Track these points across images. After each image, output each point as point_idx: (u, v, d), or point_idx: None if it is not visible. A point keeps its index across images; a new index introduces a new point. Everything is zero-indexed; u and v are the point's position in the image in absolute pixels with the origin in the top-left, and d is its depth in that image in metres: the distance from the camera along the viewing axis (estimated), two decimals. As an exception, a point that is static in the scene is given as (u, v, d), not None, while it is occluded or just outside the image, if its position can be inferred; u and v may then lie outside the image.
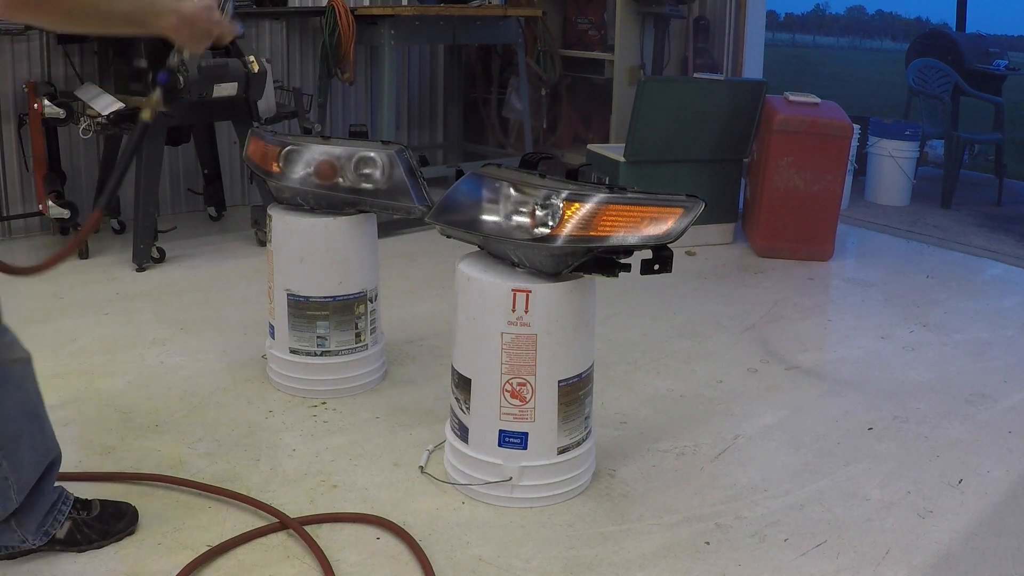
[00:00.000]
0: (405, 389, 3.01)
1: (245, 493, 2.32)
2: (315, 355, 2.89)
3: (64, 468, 2.12)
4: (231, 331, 3.42)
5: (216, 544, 2.11)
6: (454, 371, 2.38)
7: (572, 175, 2.31)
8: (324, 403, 2.86)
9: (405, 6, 4.99)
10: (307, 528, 2.18)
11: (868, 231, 5.33)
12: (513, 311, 2.21)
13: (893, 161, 5.94)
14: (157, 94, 2.17)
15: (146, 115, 2.15)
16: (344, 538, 2.18)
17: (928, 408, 2.99)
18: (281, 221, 2.86)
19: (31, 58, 4.46)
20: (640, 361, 3.31)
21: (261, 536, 2.17)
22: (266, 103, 4.51)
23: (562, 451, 2.33)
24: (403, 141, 5.60)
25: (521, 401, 2.27)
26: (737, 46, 5.99)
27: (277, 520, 2.21)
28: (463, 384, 2.34)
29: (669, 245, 2.20)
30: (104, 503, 2.15)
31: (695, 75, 5.62)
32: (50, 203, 4.14)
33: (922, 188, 6.24)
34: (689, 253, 4.62)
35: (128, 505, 2.19)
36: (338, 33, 4.95)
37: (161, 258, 4.22)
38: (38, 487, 2.00)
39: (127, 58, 4.13)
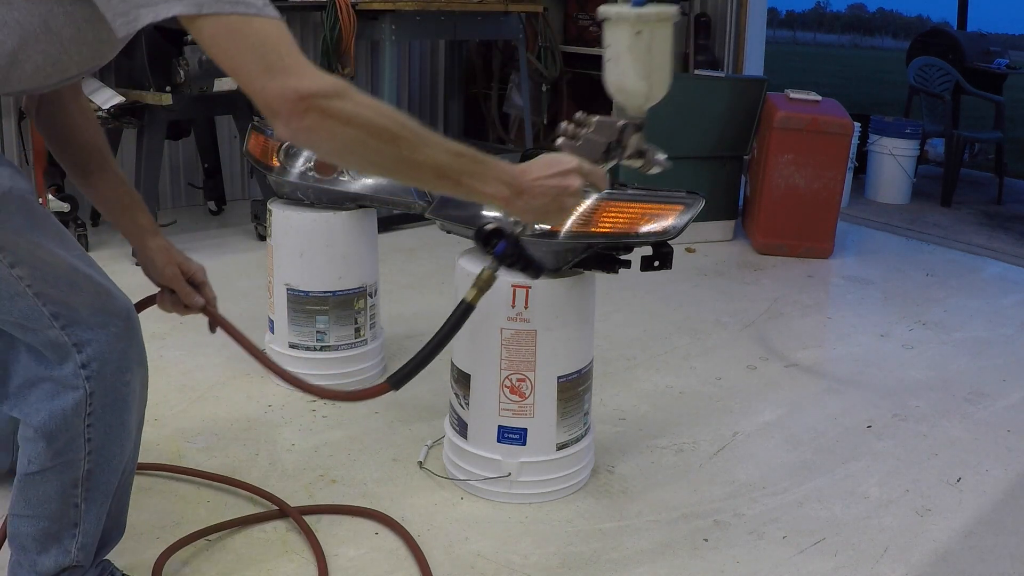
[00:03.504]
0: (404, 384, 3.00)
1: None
2: (314, 350, 2.89)
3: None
4: (230, 325, 3.41)
5: (215, 523, 2.12)
6: (453, 366, 2.38)
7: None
8: (323, 398, 2.87)
9: (406, 1, 4.98)
10: (306, 521, 2.18)
11: (868, 229, 5.33)
12: (513, 307, 2.21)
13: (893, 159, 5.94)
14: (490, 269, 1.72)
15: (473, 296, 1.74)
16: (343, 533, 2.18)
17: (927, 406, 2.99)
18: (281, 216, 2.86)
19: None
20: (639, 357, 3.31)
21: (260, 523, 2.18)
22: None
23: (561, 447, 2.33)
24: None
25: (520, 397, 2.27)
26: (738, 43, 5.98)
27: (276, 508, 2.22)
28: (462, 380, 2.34)
29: (669, 242, 2.20)
30: None
31: (696, 72, 5.62)
32: (50, 197, 4.13)
33: (922, 186, 6.23)
34: (689, 250, 4.62)
35: None
36: (339, 28, 4.94)
37: (161, 252, 4.22)
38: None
39: (128, 52, 4.12)
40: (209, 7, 1.30)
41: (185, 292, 1.86)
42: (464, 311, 1.74)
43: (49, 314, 1.54)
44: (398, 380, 1.73)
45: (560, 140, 1.88)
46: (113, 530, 1.82)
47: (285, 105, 1.31)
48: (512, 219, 1.71)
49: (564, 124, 1.89)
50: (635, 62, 1.97)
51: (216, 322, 1.91)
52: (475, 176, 1.50)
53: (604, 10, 1.99)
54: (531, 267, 1.75)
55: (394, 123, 1.39)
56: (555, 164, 1.63)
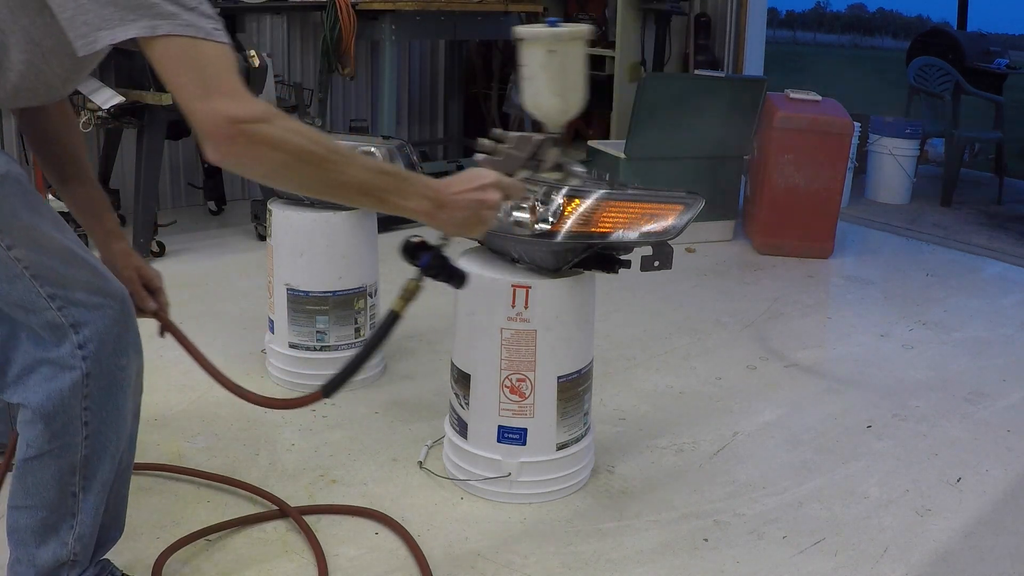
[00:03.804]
0: (404, 384, 3.01)
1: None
2: (314, 350, 2.89)
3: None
4: (230, 325, 3.42)
5: (215, 523, 2.12)
6: (453, 366, 2.38)
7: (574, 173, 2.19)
8: (323, 398, 2.86)
9: (406, 1, 4.98)
10: (306, 521, 2.18)
11: (868, 229, 5.33)
12: (513, 307, 2.20)
13: (893, 159, 5.93)
14: (415, 280, 1.79)
15: (399, 306, 1.79)
16: (342, 533, 2.18)
17: (927, 406, 2.99)
18: (281, 216, 2.86)
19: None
20: (639, 357, 3.31)
21: (260, 523, 2.18)
22: (267, 98, 4.50)
23: (561, 447, 2.33)
24: (404, 136, 5.61)
25: (520, 397, 2.27)
26: (738, 43, 5.98)
27: (276, 508, 2.22)
28: (462, 379, 2.34)
29: (669, 242, 2.20)
30: None
31: (696, 72, 5.62)
32: (50, 197, 4.12)
33: (922, 186, 6.23)
34: (689, 250, 4.62)
35: None
36: (339, 28, 4.94)
37: (161, 252, 4.22)
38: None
39: (128, 52, 4.11)
40: (162, 29, 1.36)
41: (140, 296, 1.90)
42: (392, 320, 1.80)
43: (46, 295, 1.56)
44: (330, 388, 1.76)
45: (480, 156, 1.96)
46: (112, 528, 1.82)
47: (216, 128, 1.37)
48: (438, 235, 1.78)
49: (483, 140, 1.98)
50: (550, 80, 2.10)
51: (165, 327, 1.96)
52: (398, 193, 1.57)
53: (519, 31, 2.09)
54: (455, 277, 1.83)
55: (319, 147, 1.45)
56: (475, 178, 1.69)
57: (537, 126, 2.21)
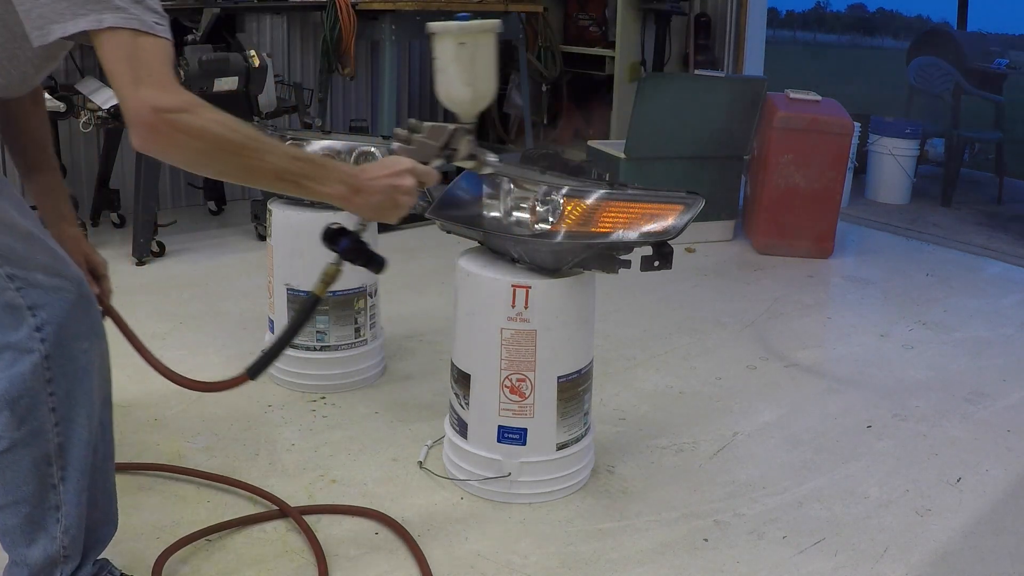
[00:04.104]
0: (404, 384, 3.01)
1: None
2: (314, 350, 2.89)
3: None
4: (230, 325, 3.42)
5: (215, 523, 2.12)
6: (453, 366, 2.38)
7: (573, 171, 2.29)
8: (323, 398, 2.86)
9: (406, 1, 4.98)
10: (306, 521, 2.18)
11: (868, 229, 5.33)
12: (513, 307, 2.20)
13: (894, 159, 5.94)
14: (335, 264, 1.85)
15: (320, 289, 1.85)
16: (342, 532, 2.18)
17: (927, 406, 2.99)
18: (281, 216, 2.86)
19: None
20: (639, 357, 3.31)
21: (260, 522, 2.18)
22: (267, 98, 4.50)
23: (561, 447, 2.33)
24: (403, 136, 5.60)
25: (520, 397, 2.27)
26: (738, 43, 5.98)
27: (276, 508, 2.22)
28: (462, 379, 2.34)
29: (669, 242, 2.20)
30: None
31: (696, 72, 5.62)
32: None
33: (922, 186, 6.23)
34: (689, 250, 4.62)
35: None
36: (339, 28, 4.94)
37: (161, 252, 4.22)
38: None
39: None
40: (108, 22, 1.45)
41: (86, 280, 1.94)
42: (312, 304, 1.86)
43: (5, 275, 1.57)
44: (255, 370, 1.85)
45: (395, 143, 2.06)
46: (103, 524, 1.82)
47: (140, 116, 1.45)
48: (357, 220, 1.85)
49: (399, 129, 2.08)
50: (461, 71, 2.22)
51: (106, 312, 1.98)
52: (315, 179, 1.65)
53: (431, 25, 2.23)
54: (373, 262, 1.89)
55: (238, 135, 1.54)
56: (390, 165, 1.79)
57: (449, 116, 2.28)
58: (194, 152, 1.52)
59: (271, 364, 1.84)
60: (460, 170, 2.32)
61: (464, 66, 2.20)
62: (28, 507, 1.66)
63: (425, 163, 1.90)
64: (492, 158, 2.18)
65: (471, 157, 2.11)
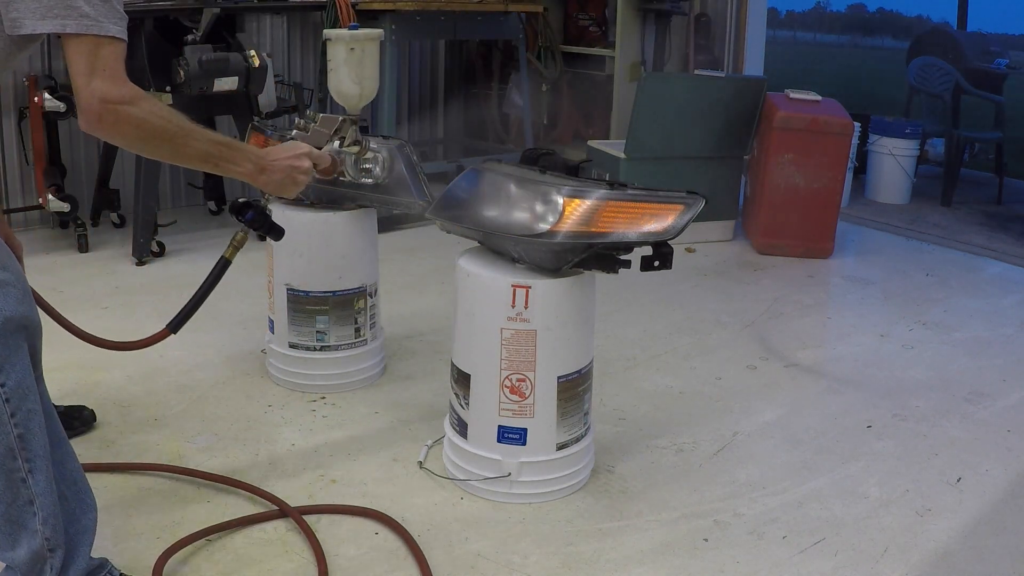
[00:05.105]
0: (404, 384, 3.01)
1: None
2: (314, 350, 2.89)
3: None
4: (230, 325, 3.42)
5: (215, 523, 2.12)
6: (453, 366, 2.38)
7: (572, 171, 2.32)
8: (323, 398, 2.86)
9: (406, 1, 4.98)
10: (306, 521, 2.18)
11: (868, 229, 5.33)
12: (513, 307, 2.20)
13: (893, 159, 5.93)
14: (242, 232, 2.24)
15: (230, 253, 2.25)
16: (342, 533, 2.18)
17: (927, 406, 2.99)
18: (281, 216, 2.85)
19: (32, 52, 4.45)
20: (639, 357, 3.31)
21: (260, 522, 2.18)
22: (267, 97, 4.50)
23: (561, 447, 2.33)
24: (403, 136, 5.61)
25: (520, 397, 2.27)
26: (738, 43, 5.98)
27: (276, 508, 2.22)
28: (462, 379, 2.34)
29: (669, 242, 2.20)
30: None
31: (696, 72, 5.61)
32: (50, 196, 4.13)
33: (922, 186, 6.23)
34: (689, 250, 4.62)
35: None
36: (339, 27, 4.94)
37: (161, 252, 4.22)
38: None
39: (128, 52, 4.11)
40: (71, 28, 1.66)
41: None
42: (223, 266, 2.26)
43: None
44: (176, 325, 2.20)
45: (294, 131, 2.54)
46: (82, 513, 1.80)
47: (90, 105, 1.71)
48: (262, 195, 2.26)
49: (298, 120, 2.60)
50: (350, 71, 2.80)
51: None
52: (230, 160, 1.98)
53: (327, 32, 2.83)
54: (273, 230, 2.33)
55: (171, 125, 1.84)
56: (290, 149, 2.19)
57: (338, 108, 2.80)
58: (134, 138, 1.80)
59: (189, 318, 2.19)
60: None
61: (353, 67, 2.74)
62: (3, 506, 1.66)
63: (319, 147, 2.30)
64: (375, 146, 2.64)
65: (356, 143, 2.55)
